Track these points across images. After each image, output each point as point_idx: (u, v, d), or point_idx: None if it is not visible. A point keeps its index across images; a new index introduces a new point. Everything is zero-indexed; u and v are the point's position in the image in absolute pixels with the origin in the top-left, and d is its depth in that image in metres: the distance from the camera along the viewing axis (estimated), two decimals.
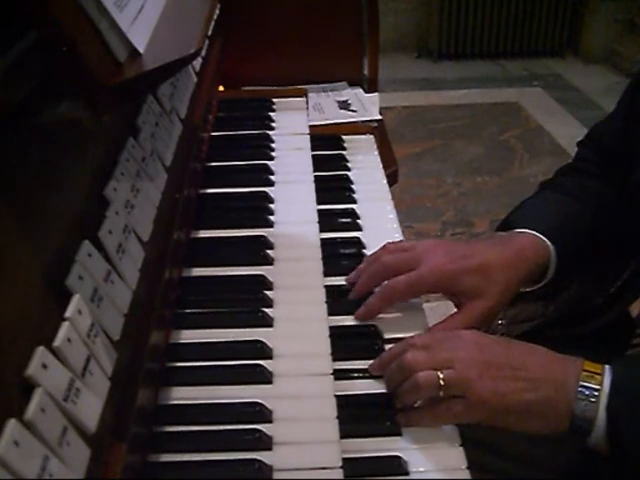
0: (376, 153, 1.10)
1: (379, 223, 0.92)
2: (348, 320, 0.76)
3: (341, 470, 0.58)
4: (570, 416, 0.63)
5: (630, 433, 0.62)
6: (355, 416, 0.65)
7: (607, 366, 0.64)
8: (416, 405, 0.65)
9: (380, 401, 0.67)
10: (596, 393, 0.62)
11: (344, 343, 0.72)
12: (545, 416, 0.63)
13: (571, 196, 0.89)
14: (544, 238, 0.81)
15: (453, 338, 0.67)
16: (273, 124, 1.12)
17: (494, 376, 0.63)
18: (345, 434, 0.62)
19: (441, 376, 0.63)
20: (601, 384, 0.63)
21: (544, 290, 0.85)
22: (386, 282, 0.77)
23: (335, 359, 0.69)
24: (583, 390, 0.63)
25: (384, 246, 0.81)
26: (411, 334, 0.72)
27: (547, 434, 0.65)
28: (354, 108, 1.26)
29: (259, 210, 0.91)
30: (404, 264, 0.76)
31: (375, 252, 0.81)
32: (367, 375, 0.70)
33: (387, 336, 0.74)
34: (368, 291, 0.78)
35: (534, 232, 0.81)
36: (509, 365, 0.64)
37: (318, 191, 0.95)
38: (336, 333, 0.72)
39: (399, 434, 0.64)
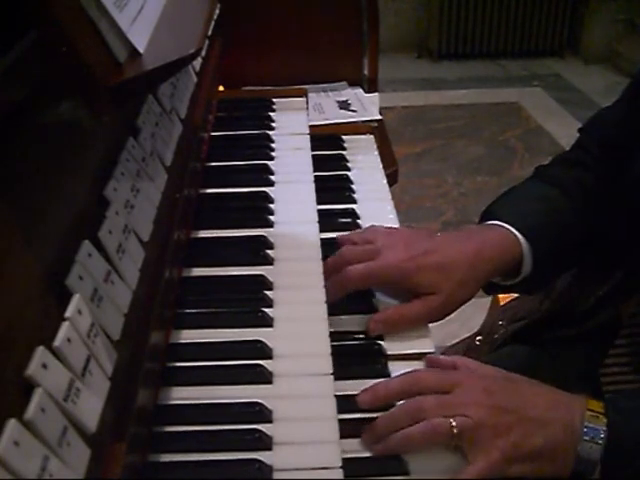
0: (376, 153, 1.10)
1: (379, 223, 0.91)
2: (348, 320, 0.76)
3: (341, 470, 0.58)
4: (575, 459, 0.62)
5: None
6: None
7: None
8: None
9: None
10: (602, 435, 0.62)
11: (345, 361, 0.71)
12: (555, 458, 0.62)
13: (561, 189, 0.88)
14: (517, 233, 0.80)
15: (460, 383, 0.64)
16: (273, 124, 1.12)
17: (505, 423, 0.62)
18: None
19: (454, 424, 0.61)
20: (606, 426, 0.62)
21: (531, 285, 0.84)
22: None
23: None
24: (588, 432, 0.62)
25: (348, 236, 0.82)
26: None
27: (553, 476, 0.63)
28: (354, 108, 1.26)
29: (259, 210, 0.91)
30: (363, 257, 0.77)
31: (341, 239, 0.82)
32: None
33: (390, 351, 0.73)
34: (326, 279, 0.78)
35: (507, 225, 0.81)
36: (517, 408, 0.63)
37: (318, 191, 0.95)
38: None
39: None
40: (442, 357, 0.72)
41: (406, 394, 0.65)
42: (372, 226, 0.84)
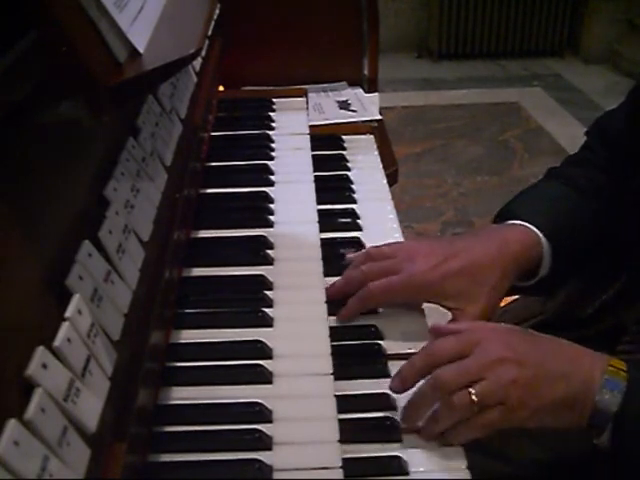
0: (376, 153, 1.10)
1: (379, 223, 0.92)
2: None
3: (341, 470, 0.58)
4: (592, 409, 0.62)
5: (634, 442, 0.62)
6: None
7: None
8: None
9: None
10: (622, 387, 0.62)
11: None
12: (573, 409, 0.62)
13: (576, 189, 0.86)
14: (537, 232, 0.79)
15: (479, 341, 0.63)
16: (273, 124, 1.12)
17: (528, 375, 0.62)
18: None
19: (473, 392, 0.60)
20: (626, 381, 0.62)
21: (544, 287, 0.83)
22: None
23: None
24: (608, 383, 0.62)
25: (367, 252, 0.79)
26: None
27: (571, 428, 0.63)
28: (354, 108, 1.26)
29: (259, 210, 0.91)
30: (384, 273, 0.74)
31: (358, 256, 0.80)
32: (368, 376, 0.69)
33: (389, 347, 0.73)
34: (341, 296, 0.76)
35: (527, 224, 0.79)
36: (539, 360, 0.63)
37: (318, 191, 0.95)
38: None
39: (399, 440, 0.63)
40: (447, 325, 0.71)
41: (430, 367, 0.64)
42: (391, 243, 0.81)
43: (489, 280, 0.73)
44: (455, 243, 0.78)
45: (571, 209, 0.85)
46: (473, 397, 0.60)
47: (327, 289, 0.77)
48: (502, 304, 1.13)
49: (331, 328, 0.73)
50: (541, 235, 0.79)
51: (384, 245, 0.81)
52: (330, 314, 0.75)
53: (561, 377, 0.62)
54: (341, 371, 0.68)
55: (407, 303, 0.77)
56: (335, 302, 0.77)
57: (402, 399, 0.67)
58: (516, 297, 1.07)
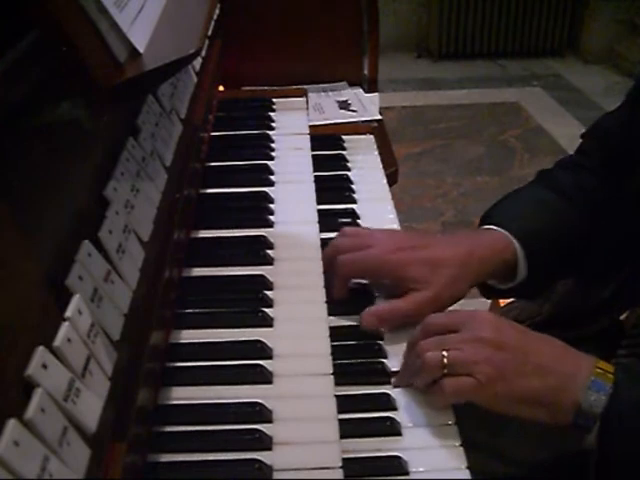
0: (376, 153, 1.10)
1: (379, 223, 0.91)
2: (348, 320, 0.76)
3: (341, 470, 0.58)
4: (576, 410, 0.62)
5: (619, 444, 0.62)
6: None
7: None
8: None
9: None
10: (608, 390, 0.62)
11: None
12: (549, 406, 0.64)
13: (562, 194, 0.87)
14: (511, 237, 0.80)
15: (470, 320, 0.67)
16: (273, 124, 1.12)
17: (502, 359, 0.63)
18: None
19: (445, 354, 0.64)
20: (613, 383, 0.62)
21: (525, 290, 0.85)
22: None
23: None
24: (594, 385, 0.62)
25: (342, 230, 0.83)
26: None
27: (549, 424, 0.65)
28: (354, 108, 1.26)
29: (259, 210, 0.91)
30: (352, 248, 0.78)
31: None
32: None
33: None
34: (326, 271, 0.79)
35: (502, 230, 0.81)
36: (520, 349, 0.64)
37: (318, 191, 0.95)
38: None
39: (399, 433, 0.64)
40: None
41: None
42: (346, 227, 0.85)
43: (448, 275, 0.76)
44: (427, 237, 0.83)
45: (552, 214, 0.86)
46: (444, 360, 0.64)
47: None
48: (501, 305, 1.14)
49: (331, 328, 0.73)
50: (514, 240, 0.80)
51: (361, 227, 0.86)
52: (330, 314, 0.75)
53: (539, 371, 0.64)
54: (341, 371, 0.68)
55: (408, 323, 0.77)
56: (335, 302, 0.77)
57: (402, 399, 0.67)
58: (512, 300, 1.07)
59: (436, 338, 0.66)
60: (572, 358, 0.65)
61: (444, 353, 0.64)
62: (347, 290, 0.78)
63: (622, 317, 0.83)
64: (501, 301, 1.21)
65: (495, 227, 0.82)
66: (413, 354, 0.67)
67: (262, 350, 0.69)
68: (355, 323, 0.75)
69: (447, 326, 0.67)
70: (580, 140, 0.96)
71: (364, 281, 0.81)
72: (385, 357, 0.72)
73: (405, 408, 0.66)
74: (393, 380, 0.69)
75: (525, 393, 0.63)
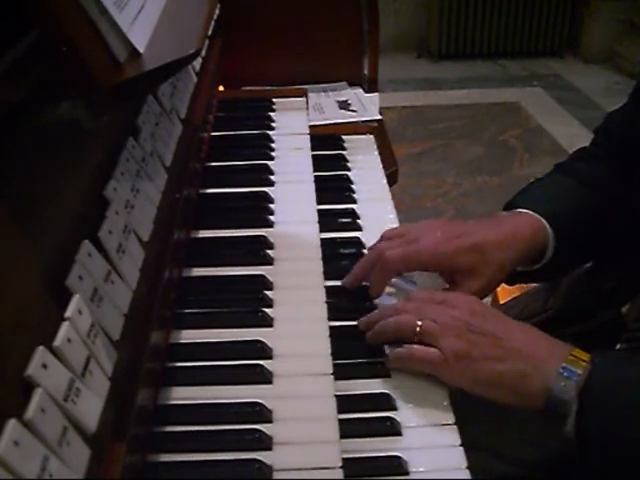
0: (376, 153, 1.10)
1: (379, 223, 0.91)
2: (348, 320, 0.76)
3: (341, 470, 0.58)
4: (547, 395, 0.63)
5: (596, 428, 0.62)
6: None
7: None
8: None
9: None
10: (577, 377, 0.62)
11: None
12: (517, 390, 0.65)
13: (580, 181, 0.89)
14: (543, 220, 0.82)
15: (449, 299, 0.70)
16: (273, 124, 1.12)
17: (472, 340, 0.65)
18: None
19: (419, 323, 0.67)
20: (585, 370, 0.63)
21: (547, 272, 0.85)
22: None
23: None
24: (564, 372, 0.63)
25: (382, 235, 0.83)
26: None
27: (518, 408, 0.66)
28: (354, 108, 1.26)
29: (259, 210, 0.91)
30: (401, 244, 0.78)
31: (375, 244, 0.83)
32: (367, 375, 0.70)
33: None
34: (364, 277, 0.79)
35: (533, 213, 0.82)
36: (493, 333, 0.66)
37: (318, 191, 0.95)
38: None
39: (399, 433, 0.64)
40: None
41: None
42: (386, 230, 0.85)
43: (498, 259, 0.77)
44: (468, 223, 0.82)
45: (572, 198, 0.88)
46: (417, 328, 0.67)
47: (350, 274, 0.80)
48: (503, 302, 1.14)
49: (331, 328, 0.73)
50: (546, 223, 0.82)
51: (398, 227, 0.86)
52: (330, 314, 0.75)
53: (509, 355, 0.65)
54: (341, 371, 0.68)
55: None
56: (335, 303, 0.77)
57: (402, 399, 0.67)
58: (515, 295, 1.07)
59: (415, 304, 0.70)
60: (546, 345, 0.67)
61: (418, 322, 0.67)
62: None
63: (624, 310, 0.84)
64: (500, 296, 1.21)
65: (525, 210, 0.83)
66: (391, 310, 0.71)
67: (262, 350, 0.69)
68: (354, 323, 0.76)
69: (431, 300, 0.70)
70: (584, 137, 0.97)
71: (364, 282, 0.81)
72: (385, 356, 0.72)
73: (405, 408, 0.66)
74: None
75: (491, 375, 0.65)
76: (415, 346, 0.68)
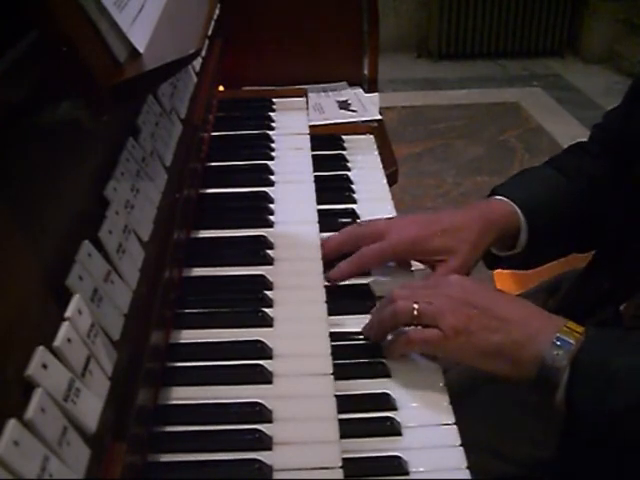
0: (376, 153, 1.10)
1: None
2: (348, 320, 0.76)
3: (341, 470, 0.58)
4: (539, 364, 0.64)
5: (586, 398, 0.63)
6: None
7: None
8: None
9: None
10: (571, 347, 0.63)
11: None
12: (512, 359, 0.66)
13: (562, 172, 0.92)
14: (515, 205, 0.85)
15: (441, 281, 0.73)
16: (273, 124, 1.12)
17: (468, 314, 0.67)
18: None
19: (416, 307, 0.68)
20: (578, 341, 0.64)
21: (522, 259, 0.88)
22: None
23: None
24: (557, 341, 0.64)
25: (357, 224, 0.87)
26: None
27: (512, 378, 0.67)
28: (354, 108, 1.26)
29: (259, 210, 0.91)
30: (373, 234, 0.81)
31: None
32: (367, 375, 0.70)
33: None
34: (333, 255, 0.82)
35: (507, 200, 0.86)
36: (488, 307, 0.68)
37: (318, 191, 0.95)
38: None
39: (399, 433, 0.64)
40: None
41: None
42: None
43: (469, 238, 0.81)
44: (440, 212, 0.87)
45: (553, 190, 0.90)
46: (414, 311, 0.68)
47: (323, 244, 0.83)
48: None
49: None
50: (517, 209, 0.85)
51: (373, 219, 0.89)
52: (330, 314, 0.75)
53: (504, 326, 0.66)
54: (341, 371, 0.68)
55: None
56: (335, 301, 0.77)
57: (402, 399, 0.67)
58: (517, 293, 1.07)
59: (409, 290, 0.71)
60: (540, 316, 0.68)
61: (415, 305, 0.68)
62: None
63: (621, 308, 0.84)
64: None
65: (499, 197, 0.87)
66: (385, 301, 0.72)
67: (262, 350, 0.69)
68: (355, 323, 0.76)
69: (424, 285, 0.73)
70: (584, 137, 0.98)
71: (365, 281, 0.81)
72: (385, 357, 0.72)
73: (405, 408, 0.66)
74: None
75: (488, 346, 0.66)
76: (409, 328, 0.69)
